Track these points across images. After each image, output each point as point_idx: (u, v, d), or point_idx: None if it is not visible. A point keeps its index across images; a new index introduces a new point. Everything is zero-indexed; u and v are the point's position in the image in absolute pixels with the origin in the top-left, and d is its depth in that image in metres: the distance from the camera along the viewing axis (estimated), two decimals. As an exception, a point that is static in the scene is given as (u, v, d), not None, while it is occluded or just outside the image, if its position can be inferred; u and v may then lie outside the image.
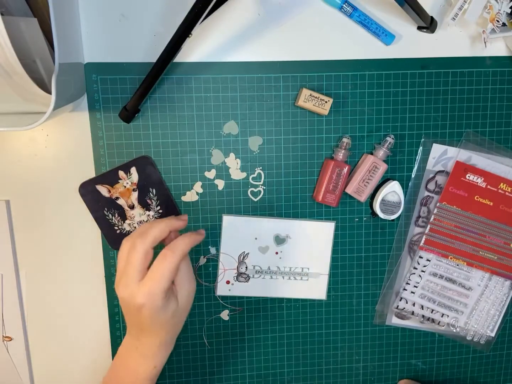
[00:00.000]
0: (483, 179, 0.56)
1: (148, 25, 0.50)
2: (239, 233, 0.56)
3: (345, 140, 0.53)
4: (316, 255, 0.57)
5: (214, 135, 0.53)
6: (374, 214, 0.56)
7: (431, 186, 0.57)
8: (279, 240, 0.57)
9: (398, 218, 0.57)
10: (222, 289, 0.57)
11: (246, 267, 0.57)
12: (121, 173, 0.52)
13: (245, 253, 0.56)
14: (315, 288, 0.58)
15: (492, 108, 0.56)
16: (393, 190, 0.55)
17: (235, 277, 0.57)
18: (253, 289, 0.57)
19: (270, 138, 0.54)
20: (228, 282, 0.57)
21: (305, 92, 0.51)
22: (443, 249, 0.57)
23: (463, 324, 0.60)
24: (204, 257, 0.55)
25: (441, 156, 0.56)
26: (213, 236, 0.55)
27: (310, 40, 0.52)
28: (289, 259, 0.57)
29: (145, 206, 0.53)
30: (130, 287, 0.41)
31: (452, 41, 0.54)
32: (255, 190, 0.55)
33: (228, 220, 0.55)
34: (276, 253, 0.57)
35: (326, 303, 0.59)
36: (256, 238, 0.56)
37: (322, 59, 0.53)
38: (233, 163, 0.54)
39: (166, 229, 0.43)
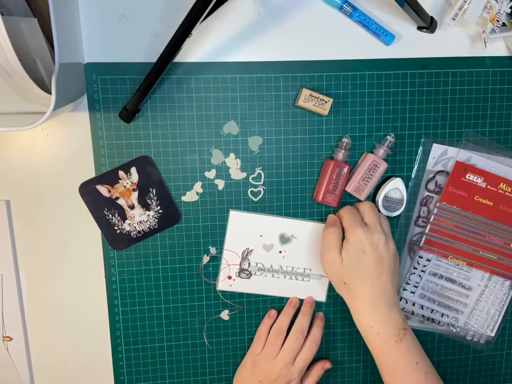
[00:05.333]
0: (483, 179, 0.56)
1: (148, 25, 0.50)
2: (245, 229, 0.56)
3: (345, 140, 0.53)
4: (319, 257, 0.57)
5: (214, 135, 0.53)
6: (374, 214, 0.56)
7: (431, 186, 0.57)
8: (284, 240, 0.56)
9: (399, 217, 0.57)
10: (223, 284, 0.57)
11: (249, 264, 0.57)
12: (121, 173, 0.52)
13: (249, 250, 0.56)
14: (316, 289, 0.58)
15: (492, 108, 0.56)
16: (396, 187, 0.55)
17: (237, 273, 0.57)
18: (254, 286, 0.57)
19: (270, 138, 0.54)
20: (229, 278, 0.57)
21: (305, 92, 0.51)
22: (443, 249, 0.57)
23: (463, 324, 0.60)
24: (207, 256, 0.55)
25: (441, 156, 0.56)
26: (213, 236, 0.55)
27: (310, 40, 0.52)
28: (292, 259, 0.57)
29: (145, 206, 0.53)
30: (288, 365, 0.54)
31: (452, 41, 0.54)
32: (255, 190, 0.55)
33: (234, 216, 0.55)
34: (280, 252, 0.57)
35: (326, 303, 0.59)
36: (261, 236, 0.56)
37: (322, 59, 0.53)
38: (233, 163, 0.54)
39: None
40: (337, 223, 0.54)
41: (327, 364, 0.58)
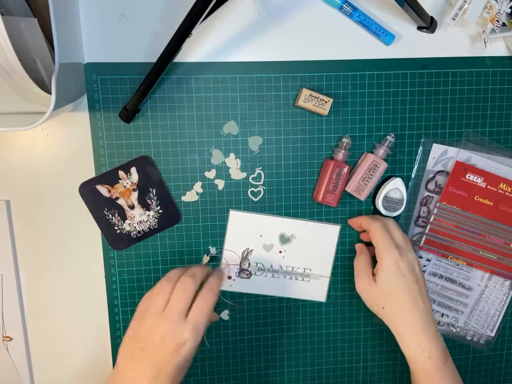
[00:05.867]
0: (483, 179, 0.56)
1: (148, 25, 0.50)
2: (245, 229, 0.56)
3: (345, 140, 0.53)
4: (319, 257, 0.57)
5: (214, 135, 0.53)
6: (376, 211, 0.56)
7: (431, 186, 0.57)
8: (284, 239, 0.56)
9: (399, 217, 0.57)
10: (223, 284, 0.57)
11: (249, 264, 0.57)
12: (121, 173, 0.52)
13: (249, 250, 0.56)
14: (316, 289, 0.58)
15: (492, 108, 0.56)
16: (396, 187, 0.55)
17: (237, 273, 0.57)
18: (254, 286, 0.57)
19: (270, 138, 0.54)
20: (230, 278, 0.57)
21: (305, 92, 0.51)
22: (443, 249, 0.57)
23: (463, 324, 0.60)
24: (207, 256, 0.55)
25: (441, 156, 0.56)
26: (213, 236, 0.55)
27: (310, 40, 0.52)
28: (292, 259, 0.57)
29: (145, 206, 0.53)
30: (176, 322, 0.41)
31: (452, 41, 0.54)
32: (255, 190, 0.55)
33: (235, 216, 0.55)
34: (280, 252, 0.57)
35: (326, 303, 0.59)
36: (261, 236, 0.56)
37: (322, 59, 0.53)
38: (233, 163, 0.54)
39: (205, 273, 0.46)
40: (365, 249, 0.54)
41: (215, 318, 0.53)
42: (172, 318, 0.42)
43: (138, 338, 0.43)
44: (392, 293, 0.49)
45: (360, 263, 0.53)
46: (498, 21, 0.51)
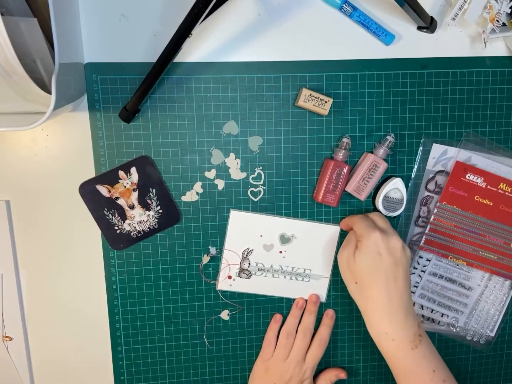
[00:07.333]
0: (483, 179, 0.56)
1: (148, 25, 0.50)
2: (245, 229, 0.56)
3: (345, 140, 0.53)
4: (319, 257, 0.57)
5: (214, 135, 0.53)
6: (376, 211, 0.56)
7: (431, 186, 0.57)
8: (284, 240, 0.56)
9: (399, 217, 0.57)
10: (223, 284, 0.57)
11: (249, 264, 0.57)
12: (121, 173, 0.52)
13: (249, 250, 0.56)
14: (316, 290, 0.58)
15: (492, 108, 0.56)
16: (396, 187, 0.55)
17: (237, 273, 0.57)
18: (254, 286, 0.57)
19: (270, 138, 0.54)
20: (230, 277, 0.57)
21: (305, 92, 0.51)
22: (443, 249, 0.57)
23: (463, 324, 0.60)
24: (207, 255, 0.55)
25: (441, 156, 0.56)
26: (213, 236, 0.55)
27: (310, 40, 0.52)
28: (292, 259, 0.57)
29: (145, 206, 0.53)
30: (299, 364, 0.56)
31: (452, 41, 0.54)
32: (255, 190, 0.55)
33: (235, 215, 0.55)
34: (280, 252, 0.57)
35: (326, 303, 0.59)
36: (261, 236, 0.56)
37: (322, 59, 0.53)
38: (233, 163, 0.54)
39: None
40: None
41: (342, 374, 0.59)
42: (297, 360, 0.56)
43: (270, 376, 0.56)
44: (366, 270, 0.49)
45: (352, 236, 0.52)
46: (498, 21, 0.51)
